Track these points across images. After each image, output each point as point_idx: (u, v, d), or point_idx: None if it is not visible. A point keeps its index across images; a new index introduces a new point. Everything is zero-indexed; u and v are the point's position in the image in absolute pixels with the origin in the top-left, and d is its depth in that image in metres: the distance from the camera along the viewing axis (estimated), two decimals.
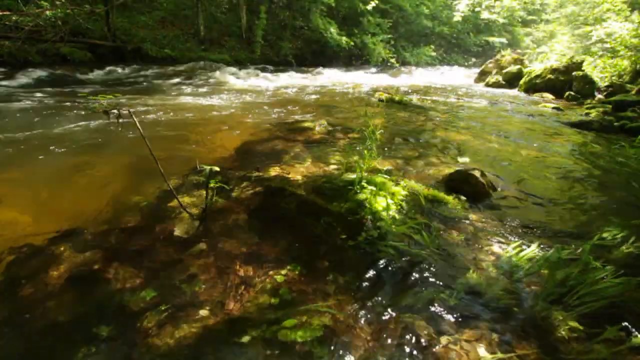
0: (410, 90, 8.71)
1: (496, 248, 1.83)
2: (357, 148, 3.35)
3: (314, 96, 6.91)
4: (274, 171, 2.68)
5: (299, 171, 2.71)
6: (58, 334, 1.20)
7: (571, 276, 1.53)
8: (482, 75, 12.11)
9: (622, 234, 1.86)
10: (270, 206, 2.15)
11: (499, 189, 2.49)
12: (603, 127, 5.07)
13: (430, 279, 1.56)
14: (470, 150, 3.61)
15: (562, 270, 1.59)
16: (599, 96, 8.50)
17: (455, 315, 1.35)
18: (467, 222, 2.09)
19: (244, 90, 6.99)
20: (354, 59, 17.71)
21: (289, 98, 6.46)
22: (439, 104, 6.76)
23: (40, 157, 2.78)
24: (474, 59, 24.31)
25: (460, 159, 3.26)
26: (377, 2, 16.74)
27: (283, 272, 1.55)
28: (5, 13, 8.51)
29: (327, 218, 2.04)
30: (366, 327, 1.28)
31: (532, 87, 9.19)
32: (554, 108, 6.71)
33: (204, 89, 6.76)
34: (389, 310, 1.36)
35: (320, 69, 13.45)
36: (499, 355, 1.18)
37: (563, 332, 1.29)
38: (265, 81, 8.81)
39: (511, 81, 10.49)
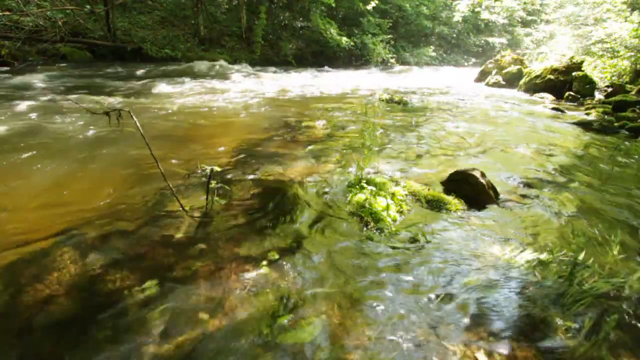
0: (410, 90, 8.71)
1: (495, 249, 1.83)
2: (357, 148, 3.35)
3: (314, 96, 6.91)
4: (274, 171, 2.69)
5: (299, 171, 2.72)
6: (58, 338, 1.20)
7: (564, 276, 1.55)
8: (482, 76, 12.14)
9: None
10: (271, 207, 2.15)
11: (498, 190, 2.49)
12: (603, 128, 5.07)
13: (429, 280, 1.56)
14: (470, 150, 3.61)
15: (555, 271, 1.60)
16: (598, 96, 8.51)
17: (453, 317, 1.35)
18: (467, 222, 2.09)
19: (243, 90, 6.99)
20: (354, 59, 17.73)
21: (289, 98, 6.46)
22: (439, 104, 6.76)
23: (40, 159, 2.78)
24: (473, 59, 24.34)
25: (460, 159, 3.27)
26: (377, 2, 16.75)
27: (283, 274, 1.56)
28: (5, 13, 8.51)
29: (328, 219, 2.04)
30: (366, 329, 1.28)
31: (532, 88, 9.20)
32: (553, 108, 6.71)
33: (204, 90, 6.76)
34: (388, 311, 1.37)
35: (320, 69, 13.46)
36: (498, 357, 1.19)
37: (561, 333, 1.29)
38: (265, 81, 8.81)
39: (511, 81, 10.52)
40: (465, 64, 23.55)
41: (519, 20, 26.50)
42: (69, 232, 1.78)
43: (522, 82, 9.80)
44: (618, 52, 10.72)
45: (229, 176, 2.56)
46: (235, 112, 4.93)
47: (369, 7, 16.74)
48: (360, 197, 2.16)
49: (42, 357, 1.13)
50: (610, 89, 8.63)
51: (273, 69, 12.24)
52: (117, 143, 3.17)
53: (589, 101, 7.87)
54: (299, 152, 3.21)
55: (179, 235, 1.80)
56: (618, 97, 6.95)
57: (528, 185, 2.74)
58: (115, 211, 2.01)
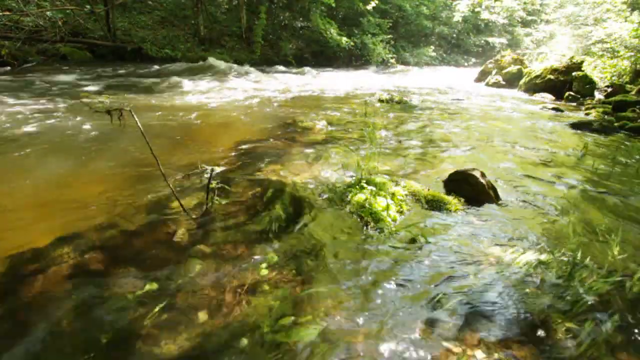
0: (410, 91, 8.71)
1: (495, 249, 1.83)
2: (357, 148, 3.35)
3: (314, 96, 6.91)
4: (274, 172, 2.69)
5: (299, 171, 2.72)
6: (57, 336, 1.20)
7: (564, 277, 1.55)
8: (482, 76, 12.15)
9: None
10: (270, 207, 2.15)
11: (498, 190, 2.49)
12: (603, 128, 5.07)
13: (429, 280, 1.56)
14: (470, 150, 3.61)
15: (555, 271, 1.60)
16: (598, 96, 8.52)
17: (453, 317, 1.35)
18: (466, 222, 2.09)
19: (244, 90, 7.00)
20: (354, 59, 17.73)
21: (289, 98, 6.46)
22: (439, 104, 6.76)
23: (41, 157, 2.78)
24: (474, 59, 24.34)
25: (460, 159, 3.27)
26: (377, 2, 16.75)
27: (284, 274, 1.56)
28: (5, 13, 8.51)
29: (327, 219, 2.04)
30: (366, 330, 1.28)
31: (532, 88, 9.20)
32: (553, 108, 6.71)
33: (204, 89, 6.76)
34: (388, 311, 1.37)
35: (320, 69, 13.46)
36: (497, 356, 1.19)
37: (561, 334, 1.29)
38: (265, 81, 8.82)
39: (511, 81, 10.53)
40: (465, 64, 23.54)
41: (519, 20, 26.50)
42: (69, 230, 1.78)
43: (522, 82, 9.80)
44: (618, 52, 10.73)
45: (229, 176, 2.56)
46: (235, 111, 4.93)
47: (369, 7, 16.74)
48: (360, 197, 2.16)
49: (41, 355, 1.14)
50: (610, 89, 8.63)
51: (273, 68, 12.24)
52: (118, 142, 3.17)
53: (589, 101, 7.87)
54: (299, 152, 3.21)
55: (178, 235, 1.80)
56: (618, 97, 6.95)
57: (528, 185, 2.74)
58: (115, 210, 2.01)
